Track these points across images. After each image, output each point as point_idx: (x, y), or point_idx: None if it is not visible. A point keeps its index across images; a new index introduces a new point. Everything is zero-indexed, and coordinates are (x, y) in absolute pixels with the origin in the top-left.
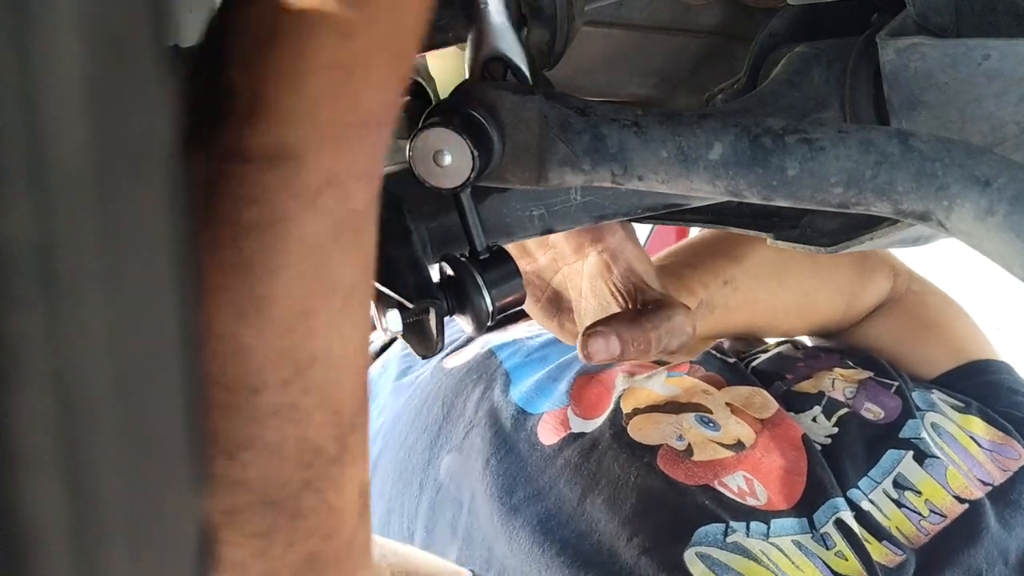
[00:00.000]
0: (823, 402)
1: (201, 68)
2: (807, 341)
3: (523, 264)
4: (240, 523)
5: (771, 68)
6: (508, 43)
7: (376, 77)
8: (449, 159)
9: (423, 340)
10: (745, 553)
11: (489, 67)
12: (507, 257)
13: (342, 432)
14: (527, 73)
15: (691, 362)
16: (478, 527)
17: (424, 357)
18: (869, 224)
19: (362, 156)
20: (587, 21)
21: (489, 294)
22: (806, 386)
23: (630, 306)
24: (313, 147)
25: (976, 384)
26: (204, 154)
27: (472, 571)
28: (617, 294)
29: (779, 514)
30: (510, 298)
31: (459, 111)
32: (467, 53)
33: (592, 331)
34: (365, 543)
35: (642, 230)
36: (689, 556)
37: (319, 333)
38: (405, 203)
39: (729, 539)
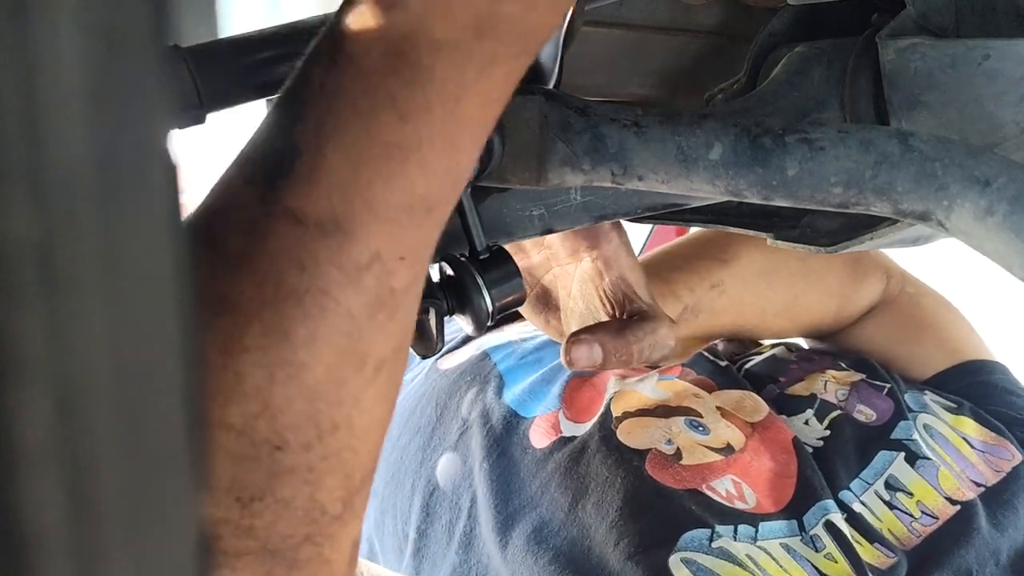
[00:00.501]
0: (815, 405)
1: (277, 116)
2: (802, 343)
3: (516, 259)
4: (239, 567)
5: (771, 68)
6: (548, 50)
7: (431, 165)
8: None
9: (423, 340)
10: (730, 558)
11: None
12: (507, 257)
13: (349, 495)
14: (555, 79)
15: (682, 365)
16: (477, 534)
17: (424, 357)
18: (869, 224)
19: (408, 238)
20: (587, 21)
21: (489, 294)
22: (798, 389)
23: (617, 314)
24: (363, 223)
25: (969, 384)
26: (258, 203)
27: None
28: (606, 301)
29: (767, 517)
30: (510, 298)
31: None
32: None
33: (576, 339)
34: None
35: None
36: (674, 561)
37: (345, 403)
38: None
39: (715, 544)
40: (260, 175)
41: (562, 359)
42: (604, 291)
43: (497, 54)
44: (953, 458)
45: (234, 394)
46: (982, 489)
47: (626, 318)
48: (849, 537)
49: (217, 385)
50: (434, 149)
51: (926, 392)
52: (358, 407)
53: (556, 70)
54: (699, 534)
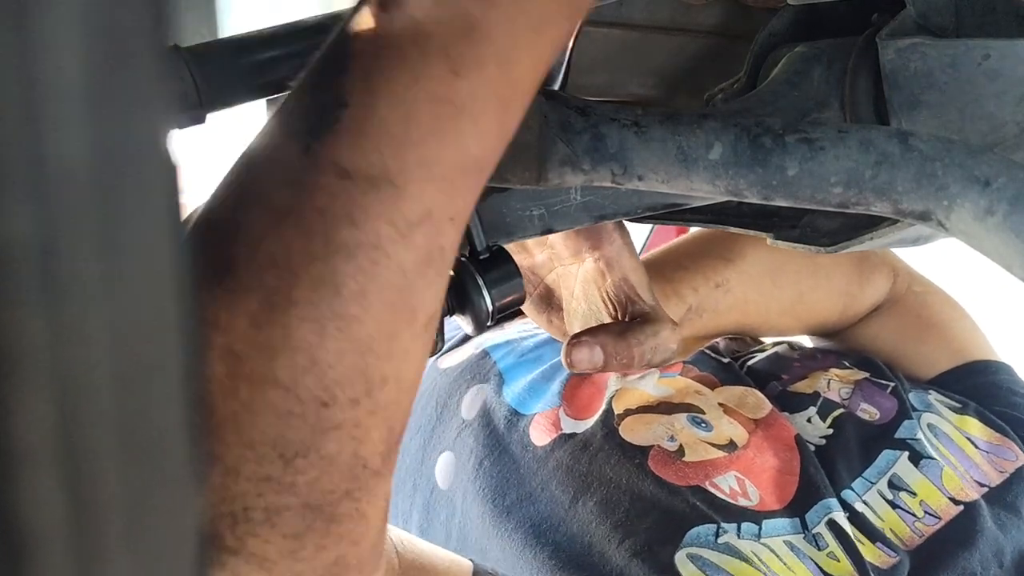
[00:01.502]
0: (818, 403)
1: (320, 68)
2: (807, 341)
3: (519, 259)
4: (279, 523)
5: (771, 68)
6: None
7: (483, 123)
8: None
9: None
10: (736, 554)
11: None
12: (507, 257)
13: (390, 448)
14: (561, 81)
15: (684, 362)
16: (471, 528)
17: None
18: (869, 224)
19: (459, 198)
20: (587, 21)
21: (489, 294)
22: (801, 386)
23: (619, 315)
24: (416, 180)
25: (974, 385)
26: (303, 155)
27: (472, 560)
28: (608, 302)
29: (771, 514)
30: (510, 298)
31: None
32: None
33: (578, 340)
34: (381, 549)
35: (642, 230)
36: (680, 557)
37: (395, 357)
38: None
39: (720, 540)
40: (304, 128)
41: (563, 361)
42: (607, 292)
43: (551, 14)
44: (957, 458)
45: (282, 349)
46: (986, 489)
47: (628, 320)
48: (852, 536)
49: (264, 340)
50: (487, 109)
51: (930, 391)
52: (407, 361)
53: (561, 71)
54: (705, 530)
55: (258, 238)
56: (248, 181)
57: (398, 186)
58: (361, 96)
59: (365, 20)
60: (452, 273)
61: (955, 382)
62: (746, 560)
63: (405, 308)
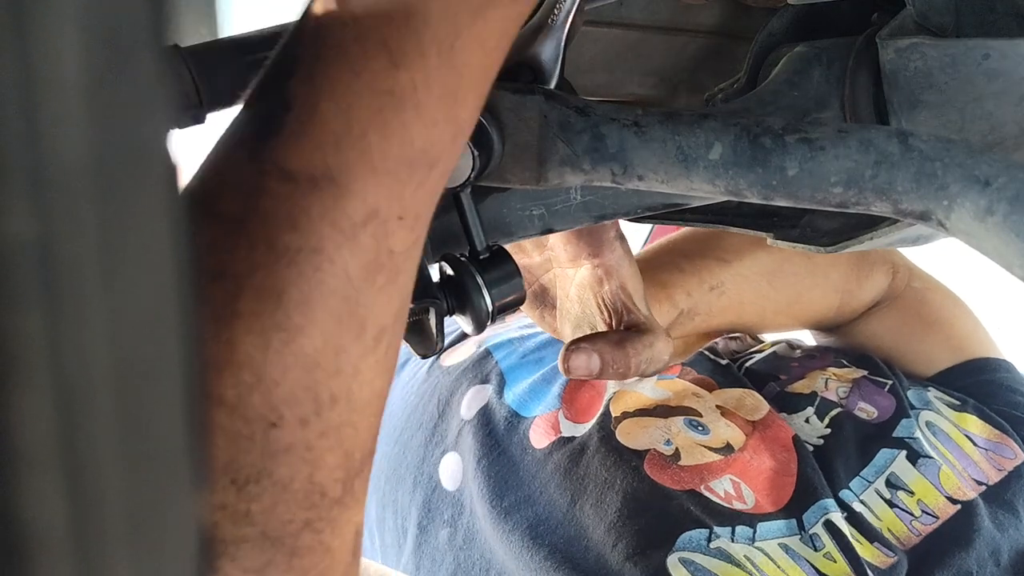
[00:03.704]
0: (816, 403)
1: (269, 73)
2: (807, 336)
3: (517, 258)
4: (238, 556)
5: (771, 68)
6: (550, 51)
7: (428, 114)
8: None
9: (423, 340)
10: (728, 558)
11: (518, 69)
12: (507, 257)
13: (349, 476)
14: (555, 81)
15: (682, 364)
16: (477, 528)
17: (424, 357)
18: (869, 224)
19: (408, 196)
20: (587, 21)
21: (489, 294)
22: (799, 386)
23: (614, 323)
24: (358, 177)
25: (975, 382)
26: (249, 162)
27: None
28: (604, 308)
29: (766, 517)
30: (510, 298)
31: None
32: None
33: (576, 347)
34: None
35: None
36: (672, 561)
37: (344, 372)
38: None
39: (713, 544)
40: (250, 134)
41: (559, 366)
42: (603, 299)
43: None
44: (955, 456)
45: (227, 365)
46: (984, 488)
47: (623, 329)
48: (849, 536)
49: (210, 357)
50: (431, 97)
51: (930, 388)
52: (358, 378)
53: (557, 69)
54: (697, 535)
55: (205, 249)
56: (197, 191)
57: (340, 184)
58: (305, 97)
59: (311, 20)
60: (452, 273)
61: (954, 380)
62: (738, 565)
63: (352, 318)
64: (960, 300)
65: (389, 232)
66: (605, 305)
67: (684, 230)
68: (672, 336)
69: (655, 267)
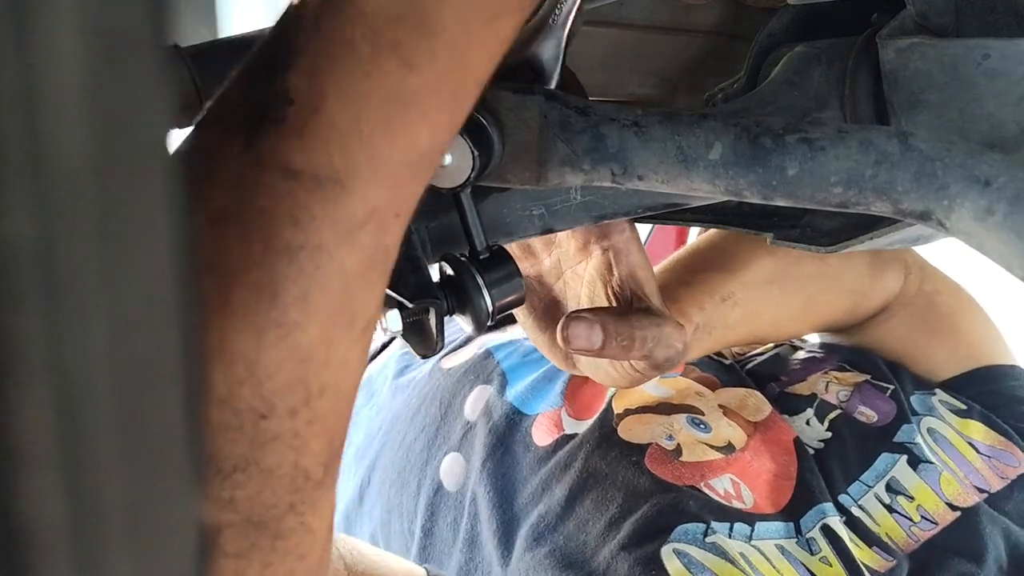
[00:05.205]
0: (815, 404)
1: (262, 61)
2: (813, 337)
3: (527, 267)
4: (221, 542)
5: (771, 68)
6: (550, 51)
7: (434, 118)
8: (449, 159)
9: (423, 340)
10: (723, 554)
11: (518, 69)
12: (507, 257)
13: (331, 459)
14: (555, 82)
15: (686, 363)
16: (480, 531)
17: (424, 357)
18: (869, 224)
19: (405, 194)
20: (587, 21)
21: (489, 294)
22: (800, 388)
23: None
24: (364, 179)
25: (981, 392)
26: (243, 154)
27: (427, 569)
28: (613, 299)
29: (764, 518)
30: (510, 298)
31: None
32: None
33: (576, 315)
34: (328, 559)
35: (642, 230)
36: (666, 551)
37: (333, 365)
38: None
39: (708, 539)
40: (244, 124)
41: (558, 336)
42: (612, 287)
43: (503, 6)
44: (957, 463)
45: (217, 360)
46: (985, 495)
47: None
48: (846, 540)
49: (199, 350)
50: (438, 102)
51: (936, 393)
52: (345, 368)
53: (557, 69)
54: (694, 528)
55: (194, 241)
56: (184, 179)
57: (346, 186)
58: (308, 93)
59: (307, 10)
60: (452, 273)
61: (963, 388)
62: (732, 561)
63: (346, 313)
64: (973, 302)
65: (386, 230)
66: (615, 295)
67: (683, 249)
68: (693, 356)
69: (662, 285)
